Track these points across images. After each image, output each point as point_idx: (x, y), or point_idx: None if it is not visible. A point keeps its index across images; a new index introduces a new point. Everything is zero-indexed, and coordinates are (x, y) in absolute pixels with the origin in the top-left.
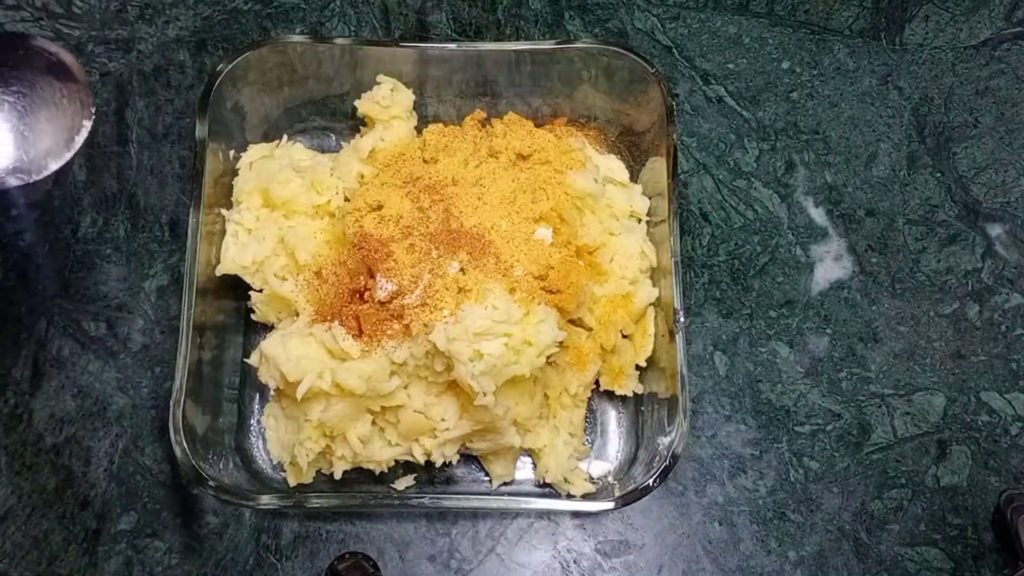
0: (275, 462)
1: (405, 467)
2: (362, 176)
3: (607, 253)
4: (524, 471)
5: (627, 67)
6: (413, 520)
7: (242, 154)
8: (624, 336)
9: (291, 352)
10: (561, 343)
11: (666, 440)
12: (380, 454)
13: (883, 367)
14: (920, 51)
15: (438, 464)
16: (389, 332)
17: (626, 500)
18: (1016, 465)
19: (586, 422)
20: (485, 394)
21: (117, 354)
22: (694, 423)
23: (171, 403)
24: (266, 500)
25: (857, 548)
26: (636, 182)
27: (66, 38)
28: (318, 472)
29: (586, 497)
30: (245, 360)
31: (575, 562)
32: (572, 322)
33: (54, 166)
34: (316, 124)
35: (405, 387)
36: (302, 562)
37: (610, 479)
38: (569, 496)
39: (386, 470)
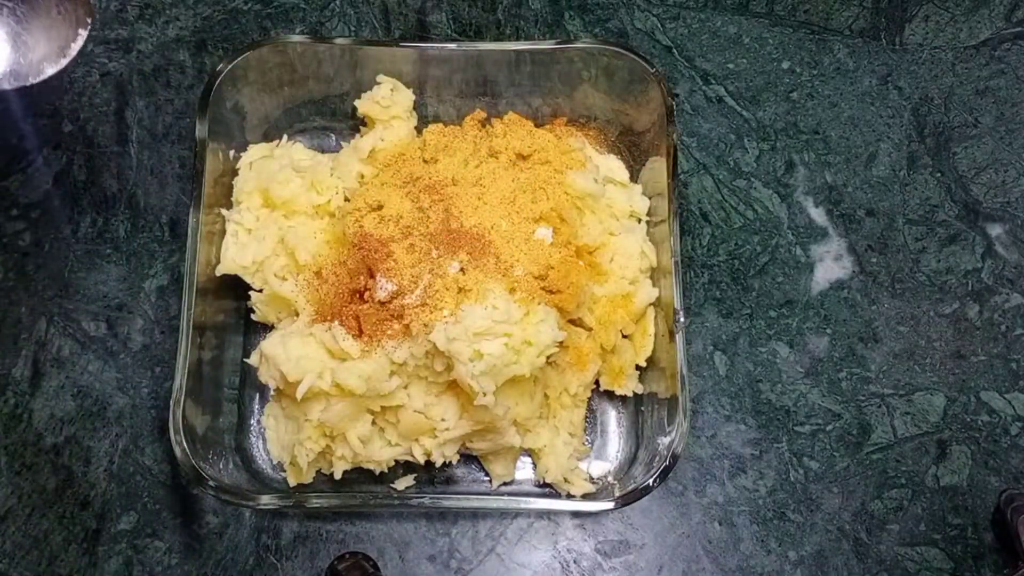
0: (275, 462)
1: (405, 467)
2: (362, 176)
3: (607, 253)
4: (524, 471)
5: (627, 67)
6: (413, 520)
7: (242, 154)
8: (624, 336)
9: (291, 352)
10: (561, 343)
11: (666, 440)
12: (380, 454)
13: (883, 367)
14: (920, 51)
15: (438, 464)
16: (389, 332)
17: (626, 500)
18: (1016, 465)
19: (586, 422)
20: (485, 394)
21: (117, 354)
22: (694, 423)
23: (171, 403)
24: (266, 500)
25: (857, 548)
26: (636, 182)
27: None
28: (318, 472)
29: (586, 497)
30: (245, 360)
31: (575, 562)
32: (572, 322)
33: (50, 71)
34: (316, 124)
35: (405, 387)
36: (302, 562)
37: (610, 479)
38: (569, 496)
39: (386, 470)
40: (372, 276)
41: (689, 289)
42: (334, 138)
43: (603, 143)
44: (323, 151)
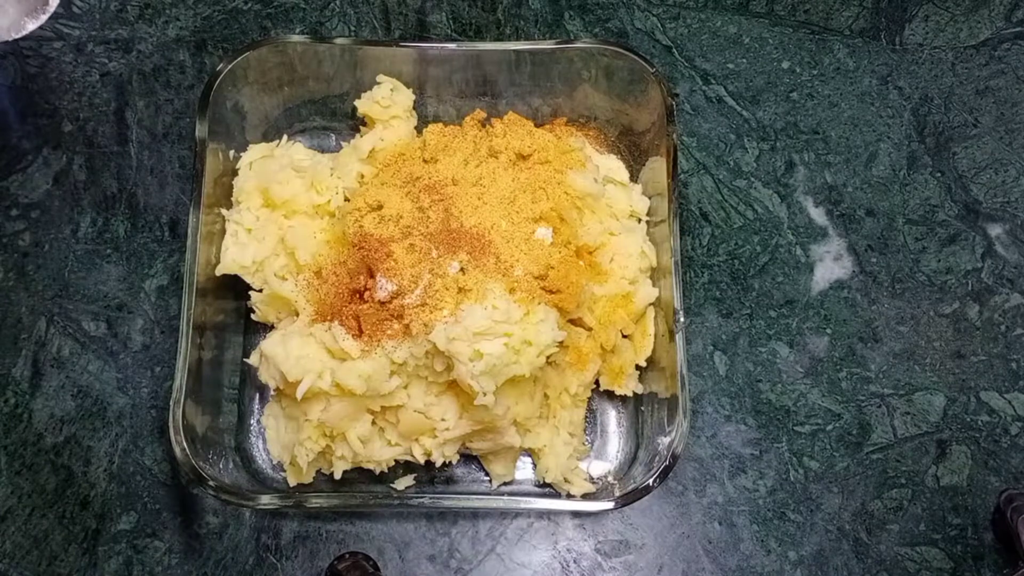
0: (275, 462)
1: (405, 467)
2: (362, 176)
3: (607, 253)
4: (524, 471)
5: (627, 67)
6: (413, 520)
7: (242, 154)
8: (624, 336)
9: (291, 352)
10: (561, 343)
11: (666, 440)
12: (380, 454)
13: (883, 367)
14: (920, 51)
15: (438, 464)
16: (389, 332)
17: (626, 500)
18: (1016, 465)
19: (586, 422)
20: (485, 394)
21: (117, 354)
22: (694, 423)
23: (171, 403)
24: (266, 500)
25: (857, 548)
26: (636, 182)
27: (66, 38)
28: (318, 472)
29: (586, 497)
30: (245, 360)
31: (575, 562)
32: (572, 322)
33: (31, 26)
34: (316, 124)
35: (405, 387)
36: (302, 562)
37: (610, 479)
38: (569, 496)
39: (386, 470)
40: (372, 276)
41: (689, 289)
42: (334, 138)
43: (603, 143)
44: (323, 151)
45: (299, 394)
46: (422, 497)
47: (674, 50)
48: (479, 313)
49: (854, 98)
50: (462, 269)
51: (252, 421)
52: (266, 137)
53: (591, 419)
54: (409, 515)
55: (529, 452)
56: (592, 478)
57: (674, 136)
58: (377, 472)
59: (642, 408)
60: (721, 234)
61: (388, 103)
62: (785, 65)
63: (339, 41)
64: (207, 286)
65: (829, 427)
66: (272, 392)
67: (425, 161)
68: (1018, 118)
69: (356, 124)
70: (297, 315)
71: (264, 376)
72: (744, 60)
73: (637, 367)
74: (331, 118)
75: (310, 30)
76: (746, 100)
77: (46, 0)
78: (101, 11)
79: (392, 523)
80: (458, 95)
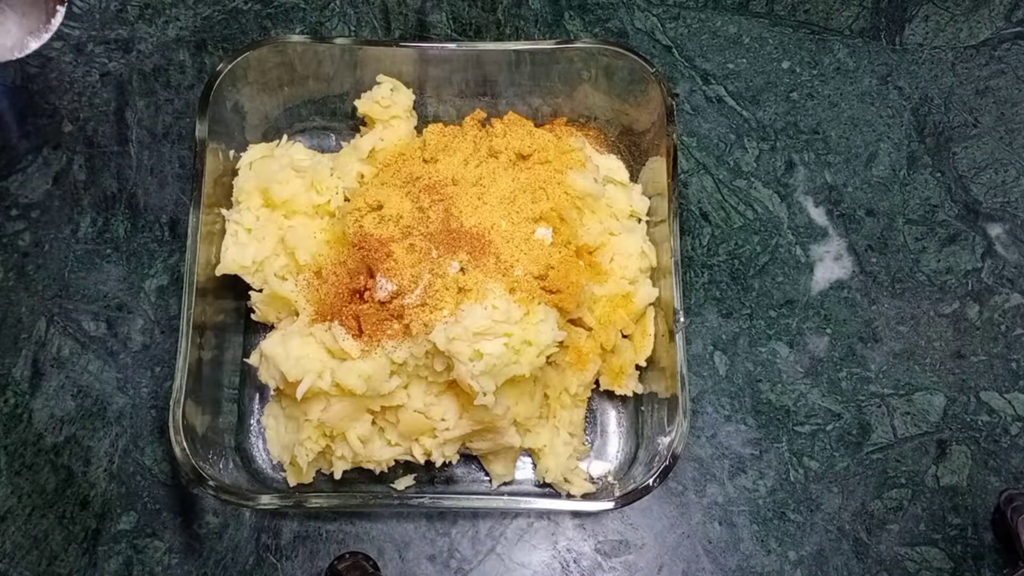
0: (275, 462)
1: (405, 467)
2: (362, 176)
3: (607, 253)
4: (524, 471)
5: (627, 67)
6: (413, 520)
7: (242, 154)
8: (624, 336)
9: (291, 352)
10: (561, 343)
11: (666, 440)
12: (380, 454)
13: (883, 367)
14: (920, 51)
15: (438, 464)
16: (389, 332)
17: (626, 500)
18: (1016, 465)
19: (586, 422)
20: (485, 394)
21: (117, 354)
22: (694, 423)
23: (171, 403)
24: (266, 500)
25: (857, 548)
26: (636, 182)
27: (66, 38)
28: (318, 472)
29: (586, 497)
30: (245, 360)
31: (575, 562)
32: (572, 322)
33: (34, 45)
34: (316, 124)
35: (405, 387)
36: (302, 562)
37: (610, 479)
38: (569, 496)
39: (386, 470)
40: (372, 276)
41: (689, 289)
42: (334, 138)
43: (603, 143)
44: (323, 151)
45: (299, 394)
46: (422, 497)
47: (674, 50)
48: (479, 313)
49: (854, 98)
50: (462, 269)
51: (252, 421)
52: (266, 137)
53: (591, 419)
54: (409, 515)
55: (529, 452)
56: (592, 478)
57: (674, 136)
58: (377, 472)
59: (642, 408)
60: (721, 234)
61: (388, 103)
62: (785, 65)
63: (339, 41)
64: (207, 286)
65: (829, 427)
66: (272, 392)
67: (425, 161)
68: (1018, 118)
69: (356, 124)
70: (297, 315)
71: (264, 376)
72: (744, 60)
73: (637, 367)
74: (331, 118)
75: (310, 30)
76: (746, 100)
77: (48, 19)
78: (101, 11)
79: (392, 523)
80: (458, 95)
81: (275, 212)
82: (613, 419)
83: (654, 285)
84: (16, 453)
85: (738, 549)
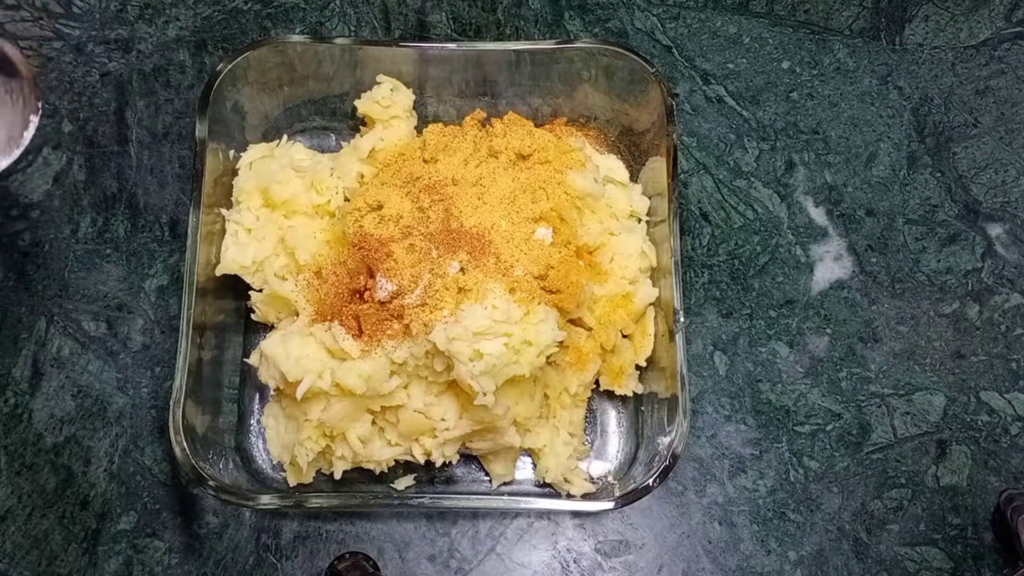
0: (275, 462)
1: (405, 467)
2: (362, 176)
3: (607, 253)
4: (524, 471)
5: (627, 67)
6: (413, 520)
7: (242, 154)
8: (624, 336)
9: (291, 352)
10: (561, 343)
11: (666, 440)
12: (380, 454)
13: (883, 367)
14: (920, 51)
15: (438, 464)
16: (389, 332)
17: (626, 500)
18: (1016, 465)
19: (586, 422)
20: (485, 394)
21: (117, 354)
22: (694, 423)
23: (171, 403)
24: (266, 500)
25: (857, 548)
26: (636, 182)
27: (66, 38)
28: (318, 472)
29: (586, 497)
30: (245, 360)
31: (575, 562)
32: (572, 322)
33: (4, 163)
34: (316, 124)
35: (405, 387)
36: (302, 562)
37: (610, 479)
38: (569, 496)
39: (386, 470)
40: (372, 276)
41: (689, 289)
42: (334, 138)
43: (603, 143)
44: (323, 151)
45: (299, 394)
46: (422, 497)
47: (674, 50)
48: (479, 313)
49: (854, 98)
50: (462, 269)
51: (252, 421)
52: (266, 137)
53: (591, 419)
54: (409, 515)
55: (529, 452)
56: (592, 478)
57: (674, 136)
58: (377, 472)
59: (642, 408)
60: (721, 234)
61: (388, 103)
62: (785, 65)
63: (339, 41)
64: (207, 286)
65: (829, 427)
66: (272, 392)
67: (425, 161)
68: (1018, 118)
69: (356, 124)
70: (297, 315)
71: (264, 376)
72: (744, 60)
73: (637, 367)
74: (331, 118)
75: (310, 30)
76: (746, 100)
77: (21, 131)
78: (101, 11)
79: (392, 523)
80: (458, 95)
81: (275, 212)
82: (613, 419)
83: (654, 285)
84: (16, 453)
85: (738, 549)
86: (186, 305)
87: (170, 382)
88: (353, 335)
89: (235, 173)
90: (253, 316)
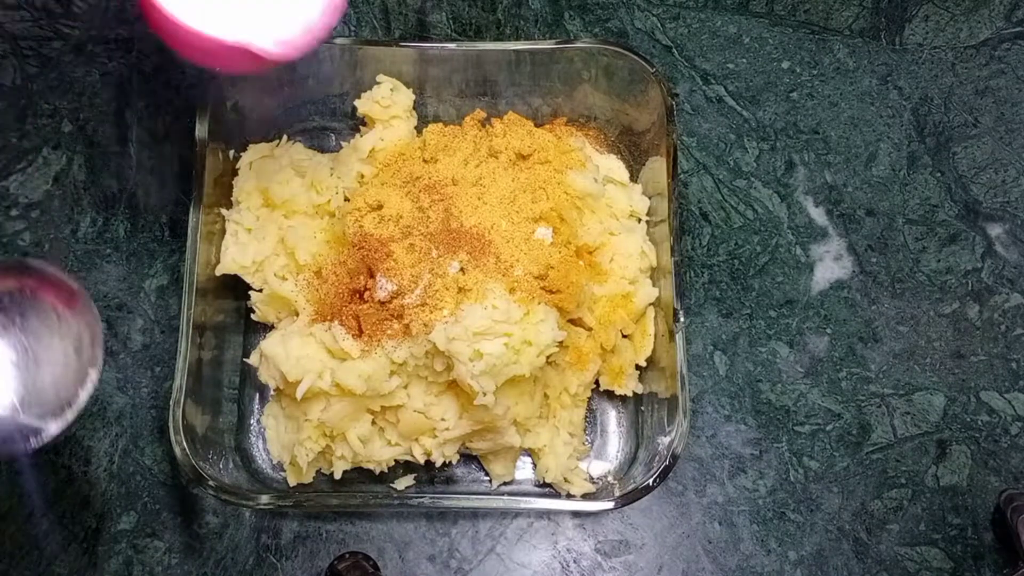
0: (275, 462)
1: (405, 467)
2: (362, 176)
3: (607, 253)
4: (524, 471)
5: (627, 67)
6: (413, 520)
7: (242, 154)
8: (624, 336)
9: (291, 352)
10: (561, 343)
11: (666, 440)
12: (380, 454)
13: (883, 367)
14: (920, 51)
15: (438, 464)
16: (389, 332)
17: (626, 500)
18: (1016, 465)
19: (586, 422)
20: (485, 394)
21: (117, 354)
22: (694, 423)
23: (171, 403)
24: (266, 500)
25: (857, 548)
26: (636, 182)
27: (66, 38)
28: (318, 472)
29: (586, 497)
30: (245, 360)
31: (575, 562)
32: (572, 322)
33: (54, 429)
34: (316, 124)
35: (405, 387)
36: (302, 562)
37: (610, 479)
38: (569, 496)
39: (386, 470)
40: (372, 276)
41: (689, 289)
42: (334, 138)
43: (603, 143)
44: (323, 151)
45: (299, 394)
46: (422, 497)
47: (674, 50)
48: (479, 313)
49: (854, 98)
50: (462, 269)
51: (252, 421)
52: (266, 137)
53: (591, 419)
54: (409, 515)
55: (529, 452)
56: (592, 478)
57: (674, 136)
58: (377, 472)
59: (642, 408)
60: (721, 234)
61: (388, 103)
62: (785, 65)
63: (339, 41)
64: (207, 286)
65: (829, 427)
66: (272, 392)
67: (425, 161)
68: (1018, 118)
69: (356, 124)
70: (297, 315)
71: (264, 376)
72: (744, 60)
73: (637, 367)
74: (331, 118)
75: None
76: (746, 100)
77: (75, 391)
78: (101, 11)
79: (392, 523)
80: (458, 95)
81: (275, 212)
82: (613, 419)
83: (654, 285)
84: None
85: (738, 549)
86: (186, 305)
87: (170, 382)
88: (353, 335)
89: (235, 173)
90: (253, 316)
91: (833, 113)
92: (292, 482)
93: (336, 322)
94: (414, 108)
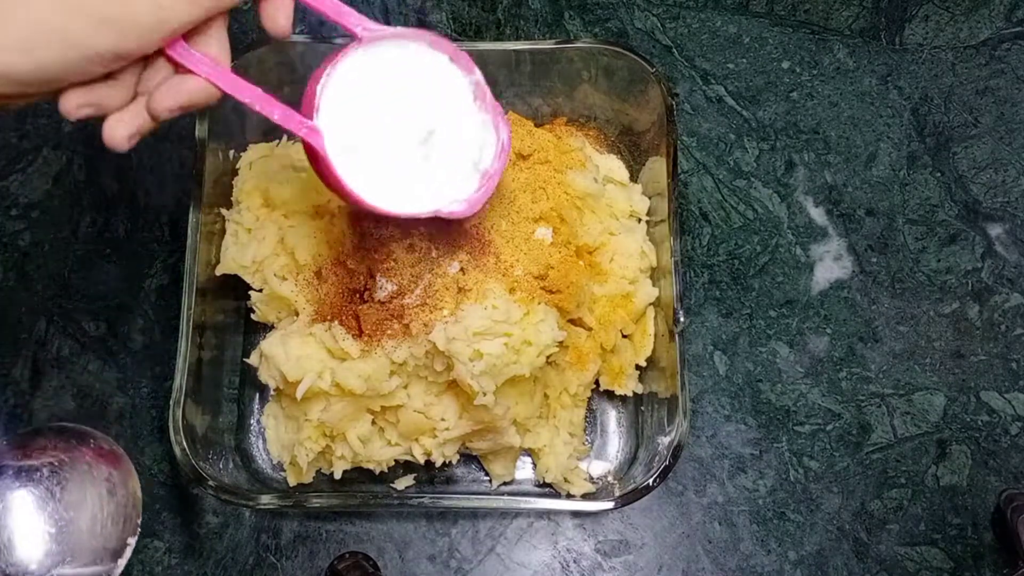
0: (275, 462)
1: (405, 467)
2: None
3: (607, 253)
4: (524, 471)
5: (627, 67)
6: (413, 520)
7: (242, 154)
8: (624, 336)
9: (291, 352)
10: (561, 343)
11: (666, 440)
12: (380, 454)
13: (883, 367)
14: (920, 51)
15: (438, 464)
16: (389, 332)
17: (626, 500)
18: (1016, 465)
19: (586, 422)
20: (485, 394)
21: (117, 354)
22: (694, 423)
23: (171, 403)
24: (266, 500)
25: (857, 548)
26: (636, 182)
27: None
28: (318, 472)
29: (586, 497)
30: (245, 360)
31: (575, 562)
32: (572, 322)
33: None
34: None
35: (405, 387)
36: (302, 562)
37: (610, 479)
38: (569, 496)
39: (386, 470)
40: (372, 276)
41: (689, 289)
42: None
43: (603, 143)
44: None
45: (299, 394)
46: (422, 497)
47: (674, 50)
48: (479, 313)
49: (854, 98)
50: (462, 269)
51: (252, 421)
52: (266, 137)
53: (591, 419)
54: (409, 515)
55: (529, 452)
56: (592, 478)
57: (674, 136)
58: (377, 472)
59: (642, 408)
60: (721, 234)
61: None
62: (785, 65)
63: (339, 41)
64: (207, 286)
65: (829, 427)
66: (272, 392)
67: None
68: (1018, 118)
69: None
70: (297, 315)
71: (264, 376)
72: (744, 60)
73: (637, 367)
74: None
75: (310, 30)
76: (746, 100)
77: (113, 560)
78: None
79: (392, 523)
80: None
81: (275, 212)
82: (613, 419)
83: (654, 285)
84: None
85: (738, 549)
86: (186, 305)
87: (170, 382)
88: (353, 335)
89: (235, 173)
90: (253, 316)
91: (833, 113)
92: (292, 482)
93: (336, 322)
94: None
